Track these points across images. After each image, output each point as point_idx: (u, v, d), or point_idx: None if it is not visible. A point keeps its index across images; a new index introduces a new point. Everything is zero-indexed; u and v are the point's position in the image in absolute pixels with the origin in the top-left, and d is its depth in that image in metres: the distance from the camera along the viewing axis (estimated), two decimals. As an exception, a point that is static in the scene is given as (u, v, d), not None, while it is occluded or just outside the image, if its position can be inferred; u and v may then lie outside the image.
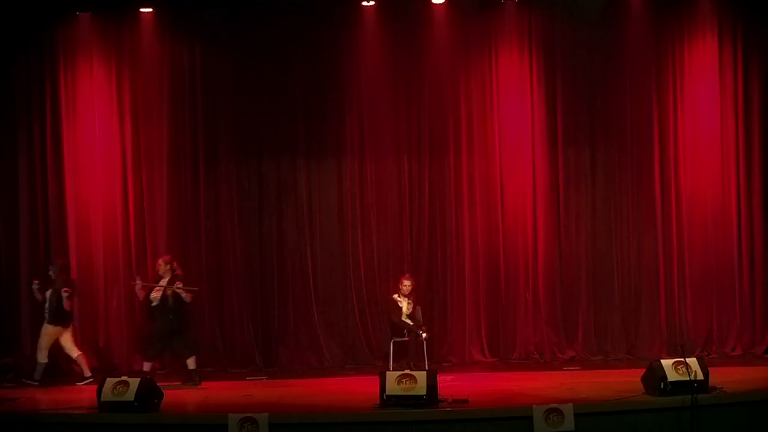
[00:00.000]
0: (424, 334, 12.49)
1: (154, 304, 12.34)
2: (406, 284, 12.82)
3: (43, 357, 12.45)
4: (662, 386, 9.85)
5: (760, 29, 13.31)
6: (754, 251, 13.35)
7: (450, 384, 11.20)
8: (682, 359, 9.90)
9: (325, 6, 13.29)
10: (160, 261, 12.54)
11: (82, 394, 10.80)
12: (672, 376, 9.87)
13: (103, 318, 13.32)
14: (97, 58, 13.47)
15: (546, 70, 13.50)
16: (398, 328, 12.71)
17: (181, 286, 12.21)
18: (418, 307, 12.90)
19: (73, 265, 13.26)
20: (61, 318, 12.48)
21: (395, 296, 12.82)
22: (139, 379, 10.11)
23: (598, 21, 13.42)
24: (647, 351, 13.09)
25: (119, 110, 13.49)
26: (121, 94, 13.49)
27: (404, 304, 12.78)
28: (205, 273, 13.42)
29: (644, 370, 10.28)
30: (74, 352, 12.57)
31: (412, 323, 12.67)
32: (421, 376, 9.92)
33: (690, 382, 9.75)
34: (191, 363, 12.25)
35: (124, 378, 10.11)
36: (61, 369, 13.04)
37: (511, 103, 13.54)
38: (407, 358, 12.46)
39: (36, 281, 12.58)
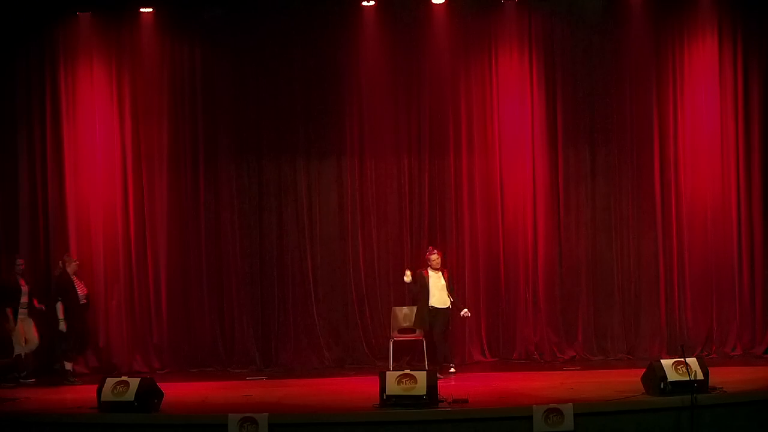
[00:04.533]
0: (465, 312, 12.52)
1: (84, 302, 12.70)
2: (434, 258, 12.56)
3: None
4: (662, 386, 9.86)
5: (760, 29, 13.32)
6: (754, 251, 13.35)
7: (450, 384, 11.20)
8: (682, 359, 9.91)
9: (325, 6, 13.30)
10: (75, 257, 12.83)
11: (82, 394, 10.79)
12: (672, 376, 9.88)
13: (103, 318, 13.31)
14: (97, 58, 13.47)
15: (546, 70, 13.50)
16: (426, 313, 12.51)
17: None
18: (452, 278, 12.75)
19: (74, 265, 13.29)
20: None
21: (405, 278, 12.49)
22: (139, 379, 10.13)
23: (598, 21, 13.42)
24: (647, 351, 13.09)
25: (119, 110, 13.49)
26: (121, 94, 13.49)
27: (440, 280, 12.52)
28: (205, 273, 13.43)
29: (644, 370, 10.29)
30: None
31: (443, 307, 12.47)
32: (421, 376, 9.93)
33: (690, 382, 9.76)
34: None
35: (124, 378, 10.13)
36: (60, 369, 13.05)
37: (511, 103, 13.54)
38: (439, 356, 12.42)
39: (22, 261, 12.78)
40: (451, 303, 12.47)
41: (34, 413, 10.29)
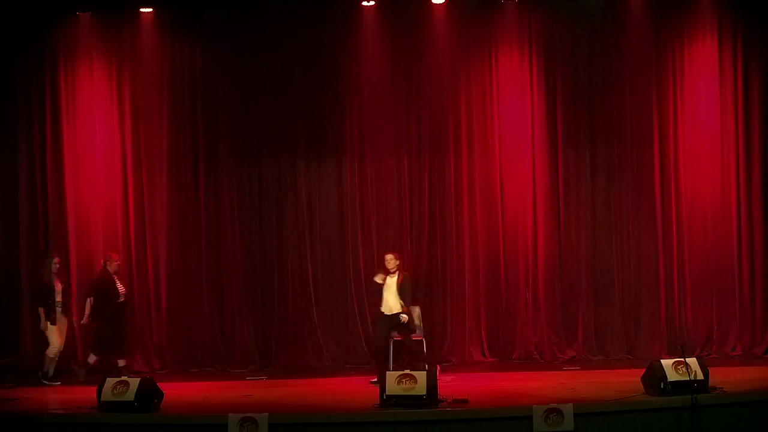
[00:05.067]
0: (402, 317, 12.03)
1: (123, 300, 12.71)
2: (388, 258, 12.19)
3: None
4: (662, 386, 9.86)
5: (760, 29, 13.31)
6: (754, 251, 13.35)
7: (450, 384, 11.20)
8: (682, 359, 9.91)
9: (325, 6, 13.30)
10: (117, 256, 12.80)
11: (82, 394, 10.78)
12: (672, 376, 9.89)
13: (103, 318, 13.32)
14: (97, 58, 13.47)
15: (546, 70, 13.49)
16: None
17: None
18: (407, 282, 12.13)
19: (73, 265, 13.27)
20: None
21: (375, 278, 12.28)
22: (139, 379, 10.14)
23: (598, 21, 13.42)
24: (647, 351, 13.08)
25: (119, 110, 13.49)
26: (121, 94, 13.49)
27: (394, 284, 12.09)
28: (205, 273, 13.43)
29: (644, 370, 10.29)
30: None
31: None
32: (421, 376, 9.93)
33: (690, 382, 9.76)
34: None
35: (124, 378, 10.13)
36: (60, 368, 13.04)
37: (511, 103, 13.54)
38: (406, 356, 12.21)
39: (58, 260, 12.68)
40: (403, 308, 12.04)
41: (34, 413, 10.28)
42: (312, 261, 13.50)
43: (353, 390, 11.31)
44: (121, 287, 12.66)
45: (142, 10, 13.30)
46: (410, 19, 13.42)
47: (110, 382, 10.04)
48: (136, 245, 13.41)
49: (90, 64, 13.47)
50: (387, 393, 9.86)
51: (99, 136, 13.46)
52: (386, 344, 12.10)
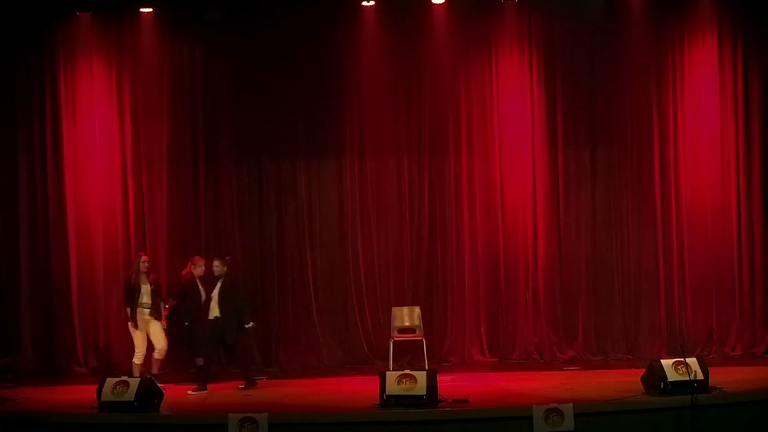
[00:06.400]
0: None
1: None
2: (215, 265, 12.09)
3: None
4: (662, 386, 9.86)
5: (760, 29, 13.32)
6: (754, 251, 13.36)
7: (450, 384, 11.20)
8: (682, 359, 9.91)
9: (325, 6, 13.30)
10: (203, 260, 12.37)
11: (82, 394, 10.78)
12: (672, 376, 9.89)
13: (103, 318, 13.31)
14: (97, 58, 13.47)
15: (546, 70, 13.50)
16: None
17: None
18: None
19: (73, 265, 13.27)
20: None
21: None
22: (139, 379, 10.13)
23: (598, 21, 13.43)
24: (647, 351, 13.10)
25: (119, 110, 13.49)
26: (121, 94, 13.49)
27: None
28: (205, 273, 13.40)
29: (644, 370, 10.29)
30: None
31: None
32: (421, 376, 9.93)
33: (690, 382, 9.76)
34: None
35: (124, 378, 10.13)
36: (60, 369, 13.06)
37: (511, 103, 13.55)
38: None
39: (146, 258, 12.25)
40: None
41: (34, 413, 10.27)
42: (312, 261, 13.51)
43: (353, 390, 11.30)
44: (202, 290, 12.23)
45: (142, 10, 13.29)
46: (410, 19, 13.43)
47: (110, 382, 10.04)
48: (136, 245, 13.39)
49: (90, 64, 13.47)
50: (387, 393, 9.85)
51: (99, 136, 13.46)
52: (216, 350, 11.98)
